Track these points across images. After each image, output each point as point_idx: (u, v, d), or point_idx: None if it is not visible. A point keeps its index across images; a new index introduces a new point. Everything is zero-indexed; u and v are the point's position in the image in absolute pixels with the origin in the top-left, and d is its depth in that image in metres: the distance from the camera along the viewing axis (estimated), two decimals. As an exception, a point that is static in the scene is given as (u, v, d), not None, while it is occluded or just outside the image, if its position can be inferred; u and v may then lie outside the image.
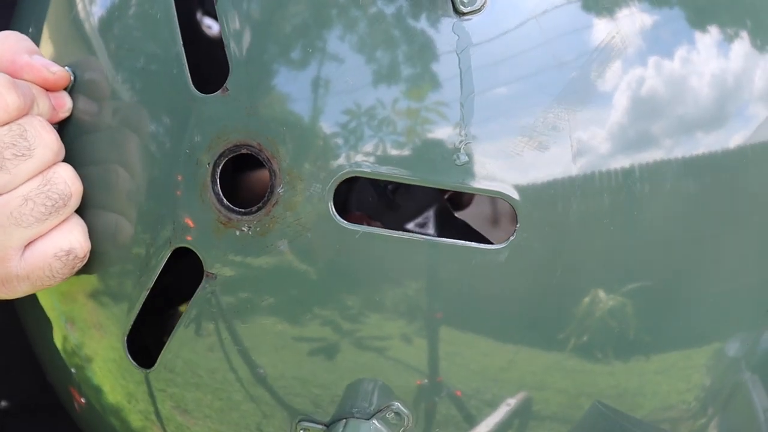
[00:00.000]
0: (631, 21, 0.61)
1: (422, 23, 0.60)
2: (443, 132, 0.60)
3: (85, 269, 0.65)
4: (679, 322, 0.64)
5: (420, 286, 0.61)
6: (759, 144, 0.63)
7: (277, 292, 0.62)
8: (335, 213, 0.61)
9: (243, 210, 0.61)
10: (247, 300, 0.62)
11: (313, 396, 0.64)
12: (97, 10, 0.66)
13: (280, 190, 0.61)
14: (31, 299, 0.71)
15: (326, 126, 0.60)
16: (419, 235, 0.63)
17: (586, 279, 0.62)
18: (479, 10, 0.60)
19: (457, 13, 0.60)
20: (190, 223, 0.62)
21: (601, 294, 0.62)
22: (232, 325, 0.63)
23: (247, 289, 0.62)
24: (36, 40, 0.68)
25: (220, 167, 0.62)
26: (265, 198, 0.61)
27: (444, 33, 0.60)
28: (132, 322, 0.66)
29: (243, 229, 0.61)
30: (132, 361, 0.67)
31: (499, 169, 0.60)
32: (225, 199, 0.62)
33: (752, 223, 0.64)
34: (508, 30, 0.60)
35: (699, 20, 0.63)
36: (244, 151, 0.61)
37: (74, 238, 0.63)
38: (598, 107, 0.61)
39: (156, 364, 0.66)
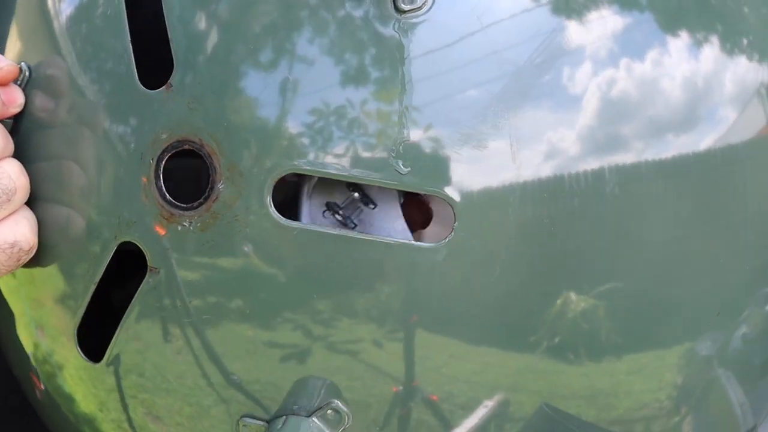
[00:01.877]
0: (580, 21, 0.62)
1: (362, 19, 0.61)
2: (382, 130, 0.60)
3: (38, 264, 0.66)
4: (651, 323, 0.64)
5: (363, 284, 0.62)
6: (728, 146, 0.64)
7: (239, 290, 0.63)
8: (274, 210, 0.61)
9: (184, 205, 0.62)
10: (215, 305, 0.63)
11: (256, 391, 0.64)
12: (65, 7, 0.66)
13: (220, 186, 0.61)
14: (4, 305, 0.71)
15: (265, 123, 0.61)
16: (358, 233, 0.63)
17: (553, 281, 0.62)
18: (420, 8, 0.60)
19: (398, 11, 0.60)
20: (134, 218, 0.63)
21: (573, 296, 0.62)
22: (192, 329, 0.64)
23: (201, 292, 0.63)
24: (2, 32, 0.68)
25: (163, 162, 0.62)
26: (206, 194, 0.62)
27: (385, 31, 0.60)
28: (81, 315, 0.66)
29: (185, 224, 0.62)
30: (80, 353, 0.67)
31: (437, 168, 0.60)
32: (167, 195, 0.62)
33: (721, 225, 0.64)
34: (450, 29, 0.61)
35: (669, 24, 0.63)
36: (186, 146, 0.61)
37: (19, 231, 0.63)
38: (538, 107, 0.61)
39: (104, 358, 0.66)
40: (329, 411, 0.63)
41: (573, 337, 0.63)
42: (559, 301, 0.62)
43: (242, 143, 0.61)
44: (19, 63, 0.66)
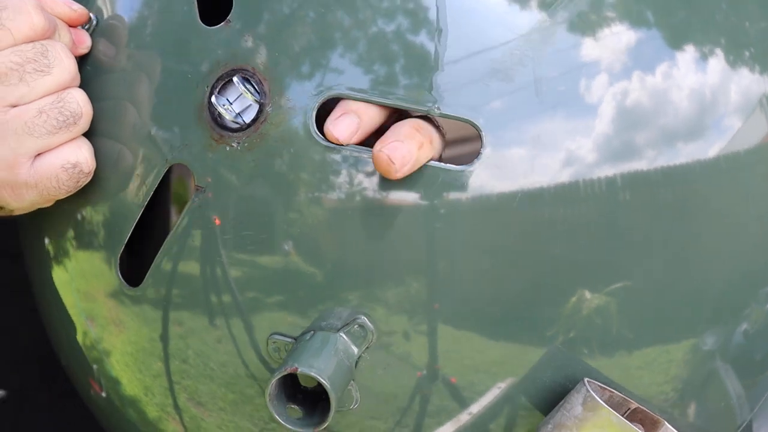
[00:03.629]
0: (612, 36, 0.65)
1: None
2: (419, 60, 0.64)
3: (89, 189, 0.69)
4: (659, 320, 0.66)
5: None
6: (733, 153, 0.66)
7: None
8: (316, 131, 0.65)
9: (235, 126, 0.65)
10: (239, 200, 0.66)
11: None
12: None
13: (269, 108, 0.65)
14: (55, 298, 0.74)
15: (312, 51, 0.65)
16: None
17: (571, 278, 0.65)
18: None
19: None
20: (186, 142, 0.66)
21: (587, 294, 0.65)
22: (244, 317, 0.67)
23: (239, 191, 0.66)
24: None
25: (218, 89, 0.66)
26: (255, 116, 0.65)
27: None
28: (126, 239, 0.69)
29: (233, 144, 0.65)
30: (120, 278, 0.70)
31: (467, 96, 0.63)
32: (219, 119, 0.66)
33: (725, 227, 0.67)
34: None
35: (677, 39, 0.66)
36: (239, 75, 0.65)
37: (81, 154, 0.67)
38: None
39: (146, 277, 0.69)
40: (356, 327, 0.65)
41: (587, 332, 0.65)
42: (574, 298, 0.65)
43: (290, 70, 0.65)
44: (89, 11, 0.70)
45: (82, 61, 0.70)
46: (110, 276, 0.70)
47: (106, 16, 0.70)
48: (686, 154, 0.65)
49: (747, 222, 0.68)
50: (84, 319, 0.73)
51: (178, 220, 0.67)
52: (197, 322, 0.68)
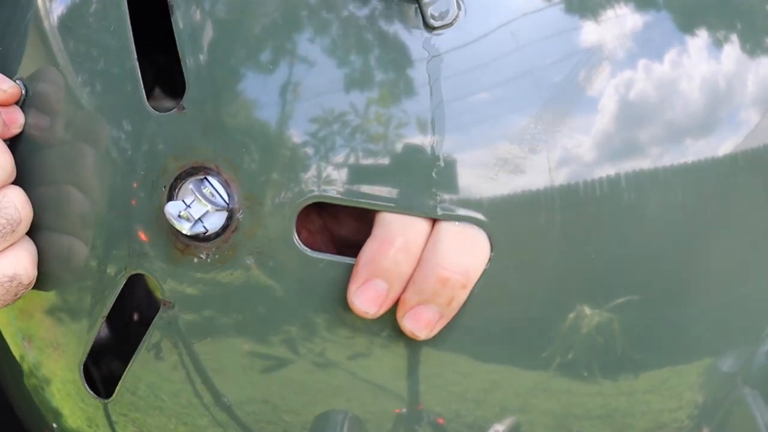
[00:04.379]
0: (616, 24, 0.61)
1: (393, 35, 0.59)
2: (414, 158, 0.59)
3: (40, 289, 0.65)
4: (670, 338, 0.63)
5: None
6: (751, 151, 0.63)
7: (241, 310, 0.61)
8: (299, 241, 0.59)
9: (201, 236, 0.60)
10: (209, 320, 0.62)
11: (285, 424, 0.62)
12: (57, 17, 0.64)
13: (239, 215, 0.59)
14: None
15: (289, 150, 0.59)
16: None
17: (568, 294, 0.61)
18: (451, 24, 0.59)
19: (428, 27, 0.59)
20: (147, 250, 0.61)
21: (587, 310, 0.61)
22: (193, 349, 0.62)
23: (209, 309, 0.61)
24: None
25: (177, 190, 0.60)
26: (224, 223, 0.59)
27: (415, 47, 0.59)
28: (86, 353, 0.65)
29: (201, 256, 0.60)
30: (88, 390, 0.65)
31: (473, 194, 0.59)
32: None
33: (742, 233, 0.64)
34: (481, 46, 0.59)
35: (687, 23, 0.62)
36: (201, 174, 0.59)
37: (20, 265, 0.62)
38: (579, 117, 0.60)
39: (115, 393, 0.65)
40: None
41: (587, 353, 0.62)
42: (572, 315, 0.61)
43: (263, 171, 0.59)
44: (15, 80, 0.64)
45: (13, 140, 0.64)
46: (60, 308, 0.66)
47: (35, 78, 0.64)
48: (697, 151, 0.62)
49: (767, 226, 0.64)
50: (21, 340, 0.69)
51: (145, 336, 0.63)
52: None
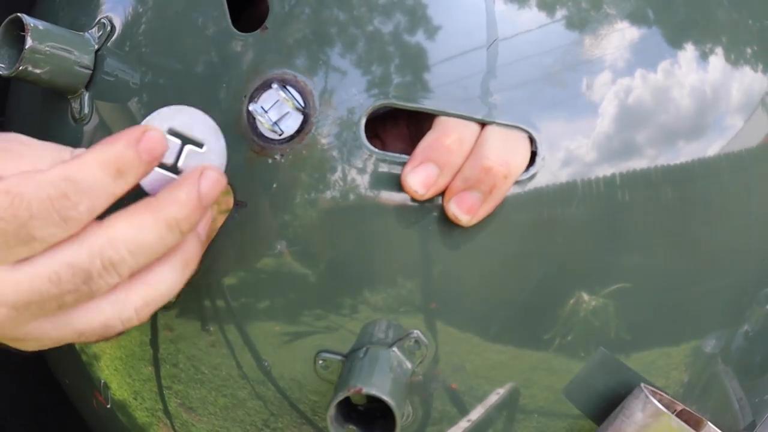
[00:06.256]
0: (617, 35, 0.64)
1: None
2: (470, 64, 0.62)
3: None
4: (659, 322, 0.65)
5: None
6: (734, 153, 0.65)
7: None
8: (368, 142, 0.62)
9: (277, 138, 0.62)
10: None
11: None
12: None
13: (313, 119, 0.62)
14: None
15: (358, 57, 0.62)
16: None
17: (568, 279, 0.64)
18: None
19: None
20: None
21: (584, 295, 0.64)
22: (238, 321, 0.65)
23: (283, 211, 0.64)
24: None
25: (259, 99, 0.62)
26: (299, 126, 0.62)
27: None
28: None
29: (276, 157, 0.63)
30: None
31: (522, 105, 0.62)
32: (259, 128, 0.63)
33: (726, 228, 0.66)
34: None
35: (678, 37, 0.65)
36: (277, 82, 0.62)
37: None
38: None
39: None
40: (411, 342, 0.64)
41: (585, 335, 0.64)
42: (572, 300, 0.64)
43: (335, 77, 0.62)
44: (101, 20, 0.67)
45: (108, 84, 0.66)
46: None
47: (123, 25, 0.67)
48: (687, 152, 0.64)
49: (748, 222, 0.67)
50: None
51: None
52: (189, 327, 0.66)
